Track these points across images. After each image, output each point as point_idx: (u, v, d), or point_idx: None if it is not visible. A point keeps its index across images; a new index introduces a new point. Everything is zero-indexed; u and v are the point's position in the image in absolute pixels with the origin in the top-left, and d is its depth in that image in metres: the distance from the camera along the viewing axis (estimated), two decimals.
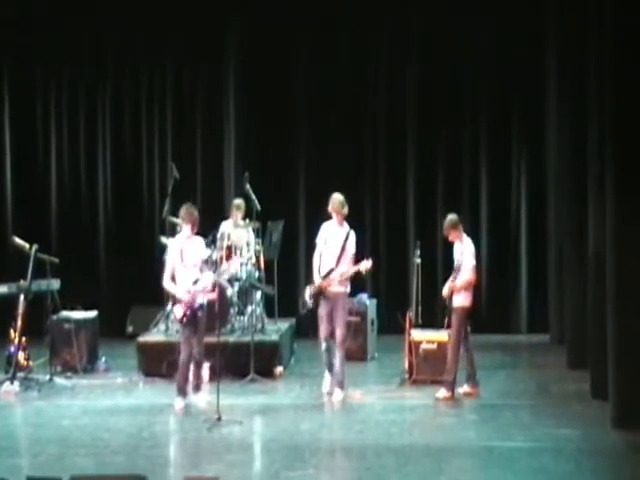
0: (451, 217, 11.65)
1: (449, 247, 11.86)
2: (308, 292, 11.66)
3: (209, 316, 11.21)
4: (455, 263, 11.51)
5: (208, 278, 11.13)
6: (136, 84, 16.49)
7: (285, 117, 16.27)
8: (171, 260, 11.22)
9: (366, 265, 11.57)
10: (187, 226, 11.17)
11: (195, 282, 10.97)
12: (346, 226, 11.69)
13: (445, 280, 11.69)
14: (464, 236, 11.61)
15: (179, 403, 11.07)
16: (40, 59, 16.31)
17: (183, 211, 11.30)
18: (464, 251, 11.50)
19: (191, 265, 11.07)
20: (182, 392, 11.15)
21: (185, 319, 10.97)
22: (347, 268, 11.55)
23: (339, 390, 11.48)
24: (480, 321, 16.00)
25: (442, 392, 11.38)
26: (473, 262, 11.49)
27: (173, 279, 11.15)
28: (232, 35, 16.21)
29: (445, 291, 11.47)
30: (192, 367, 11.18)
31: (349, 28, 16.06)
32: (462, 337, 11.45)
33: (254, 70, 16.09)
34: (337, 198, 11.67)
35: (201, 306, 11.01)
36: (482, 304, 16.18)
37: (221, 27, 16.18)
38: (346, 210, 11.67)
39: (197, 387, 11.27)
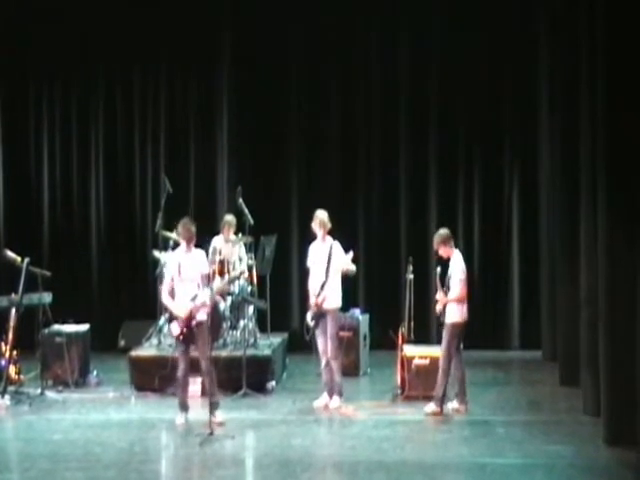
0: (441, 232, 11.66)
1: (441, 263, 11.83)
2: (309, 316, 11.72)
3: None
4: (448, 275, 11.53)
5: (206, 294, 10.82)
6: (129, 98, 16.49)
7: (278, 132, 16.29)
8: (169, 274, 11.02)
9: (349, 256, 11.65)
10: (183, 242, 10.98)
11: (193, 298, 10.74)
12: (329, 240, 11.77)
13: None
14: (455, 251, 11.60)
15: (180, 418, 10.93)
16: (32, 73, 16.35)
17: (179, 226, 11.07)
18: (454, 266, 11.50)
19: (189, 280, 10.81)
20: (183, 407, 10.98)
21: (182, 336, 10.77)
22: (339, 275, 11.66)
23: (337, 397, 11.65)
24: (473, 337, 16.05)
25: (431, 407, 11.39)
26: (462, 277, 11.47)
27: (172, 294, 10.90)
28: (224, 51, 16.24)
29: (438, 307, 11.46)
30: (206, 384, 10.94)
31: (343, 49, 16.16)
32: (452, 353, 11.43)
33: (246, 85, 16.12)
34: (321, 214, 11.78)
35: (199, 323, 10.74)
36: (475, 320, 16.17)
37: (213, 44, 16.22)
38: (329, 225, 11.77)
39: (213, 404, 10.68)
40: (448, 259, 11.59)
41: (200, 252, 11.20)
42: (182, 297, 10.81)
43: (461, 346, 11.63)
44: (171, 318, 10.96)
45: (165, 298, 11.02)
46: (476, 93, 16.10)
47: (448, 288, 11.43)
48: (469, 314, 11.66)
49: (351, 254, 11.73)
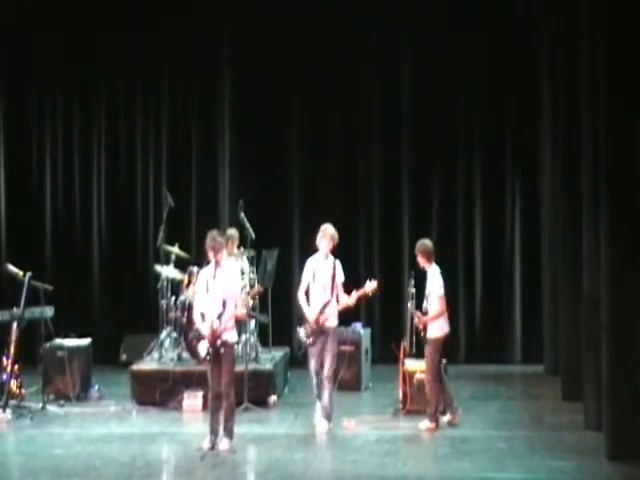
0: (426, 242, 11.67)
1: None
2: (303, 332, 11.47)
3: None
4: (426, 292, 11.54)
5: (236, 311, 10.46)
6: (130, 114, 16.51)
7: (280, 146, 16.31)
8: (199, 291, 10.64)
9: (372, 286, 11.57)
10: (210, 253, 10.55)
11: (219, 317, 10.32)
12: (331, 257, 11.61)
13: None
14: (433, 265, 11.58)
15: (205, 442, 10.37)
16: (34, 85, 16.35)
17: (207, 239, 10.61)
18: (432, 281, 11.50)
19: (215, 297, 10.36)
20: (211, 431, 10.40)
21: (208, 357, 10.35)
22: (346, 297, 11.50)
23: (325, 422, 11.35)
24: (474, 352, 16.09)
25: (425, 423, 11.37)
26: (440, 293, 11.47)
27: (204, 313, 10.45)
28: (225, 67, 16.26)
29: (416, 321, 11.48)
30: (224, 407, 10.39)
31: (344, 59, 16.21)
32: (436, 367, 11.43)
33: (248, 99, 16.12)
34: (331, 229, 11.57)
35: (225, 343, 10.33)
36: (476, 335, 16.22)
37: (214, 60, 16.25)
38: (337, 239, 11.61)
39: (225, 430, 10.40)
40: (422, 270, 11.60)
41: (232, 267, 10.92)
42: (209, 316, 10.37)
43: (444, 360, 11.64)
44: (199, 337, 10.59)
45: (197, 318, 10.60)
46: (478, 107, 16.15)
47: (424, 308, 11.43)
48: (450, 327, 11.68)
49: (374, 284, 11.61)
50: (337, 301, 11.52)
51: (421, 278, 11.84)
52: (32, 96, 16.42)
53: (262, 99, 16.07)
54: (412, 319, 11.88)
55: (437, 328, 11.44)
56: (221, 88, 16.34)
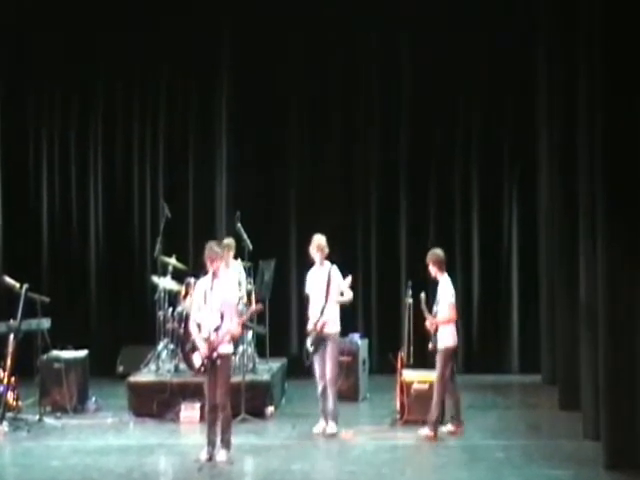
0: (437, 251, 11.71)
1: (427, 288, 11.86)
2: (309, 341, 11.61)
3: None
4: (437, 298, 11.58)
5: (232, 325, 10.40)
6: (127, 124, 16.51)
7: (277, 157, 16.32)
8: (196, 302, 10.59)
9: (346, 282, 11.66)
10: (207, 263, 10.43)
11: (216, 329, 10.26)
12: (327, 264, 11.72)
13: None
14: (444, 275, 11.61)
15: (203, 453, 10.35)
16: (33, 85, 16.34)
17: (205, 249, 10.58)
18: (442, 289, 11.53)
19: (212, 309, 10.30)
20: (208, 442, 10.38)
21: (203, 368, 10.33)
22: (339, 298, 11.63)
23: (333, 423, 11.48)
24: (472, 361, 16.08)
25: (425, 431, 11.36)
26: (451, 300, 11.50)
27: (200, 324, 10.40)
28: (226, 64, 16.30)
29: (427, 324, 11.47)
30: (220, 419, 10.37)
31: (344, 59, 16.27)
32: (446, 377, 11.42)
33: (248, 100, 16.13)
34: (319, 239, 11.71)
35: (221, 356, 10.26)
36: (474, 344, 16.20)
37: (214, 56, 16.27)
38: (327, 250, 11.72)
39: (223, 441, 10.39)
40: (434, 279, 11.62)
41: (230, 279, 10.93)
42: (206, 328, 10.33)
43: (455, 369, 11.64)
44: (194, 348, 10.53)
45: (192, 328, 10.54)
46: (477, 107, 16.19)
47: (434, 313, 11.46)
48: (458, 337, 11.70)
49: (349, 279, 11.72)
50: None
51: (420, 288, 11.88)
52: (31, 96, 16.40)
53: (262, 99, 16.08)
54: (409, 330, 11.90)
55: (449, 337, 11.43)
56: (220, 88, 16.35)
